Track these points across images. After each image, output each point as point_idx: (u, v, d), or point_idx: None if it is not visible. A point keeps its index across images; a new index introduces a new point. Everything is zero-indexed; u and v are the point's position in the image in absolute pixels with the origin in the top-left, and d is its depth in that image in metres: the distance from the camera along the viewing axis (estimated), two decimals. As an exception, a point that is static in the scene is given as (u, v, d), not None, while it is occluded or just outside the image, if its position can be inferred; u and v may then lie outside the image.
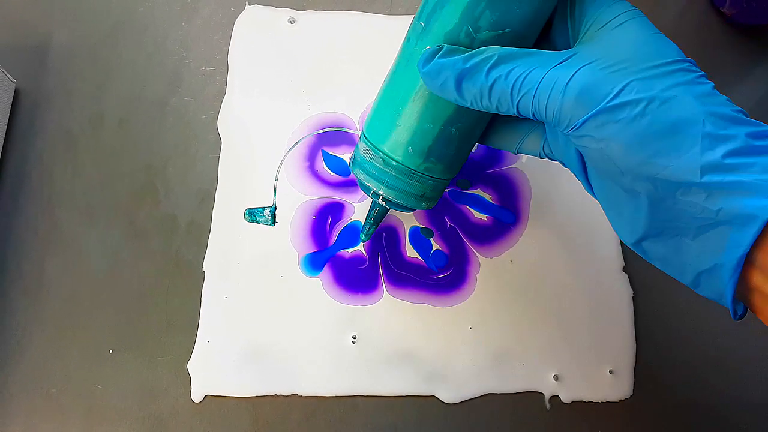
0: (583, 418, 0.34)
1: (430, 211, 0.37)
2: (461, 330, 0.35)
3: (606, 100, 0.21)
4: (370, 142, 0.29)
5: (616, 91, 0.21)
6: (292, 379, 0.34)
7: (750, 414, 0.35)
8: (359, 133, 0.39)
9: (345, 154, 0.39)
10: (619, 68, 0.22)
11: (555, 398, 0.35)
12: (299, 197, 0.37)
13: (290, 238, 0.37)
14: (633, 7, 0.24)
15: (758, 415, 0.35)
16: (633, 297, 0.36)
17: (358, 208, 0.37)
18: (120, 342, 0.35)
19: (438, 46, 0.25)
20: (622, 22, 0.23)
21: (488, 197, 0.38)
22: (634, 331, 0.36)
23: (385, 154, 0.29)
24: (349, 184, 0.38)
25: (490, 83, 0.24)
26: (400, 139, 0.28)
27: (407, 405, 0.34)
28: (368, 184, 0.30)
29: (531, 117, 0.24)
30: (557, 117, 0.22)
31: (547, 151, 0.28)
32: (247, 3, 0.41)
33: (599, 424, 0.34)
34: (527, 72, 0.23)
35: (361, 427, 0.34)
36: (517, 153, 0.30)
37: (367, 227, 0.35)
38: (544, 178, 0.38)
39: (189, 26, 0.41)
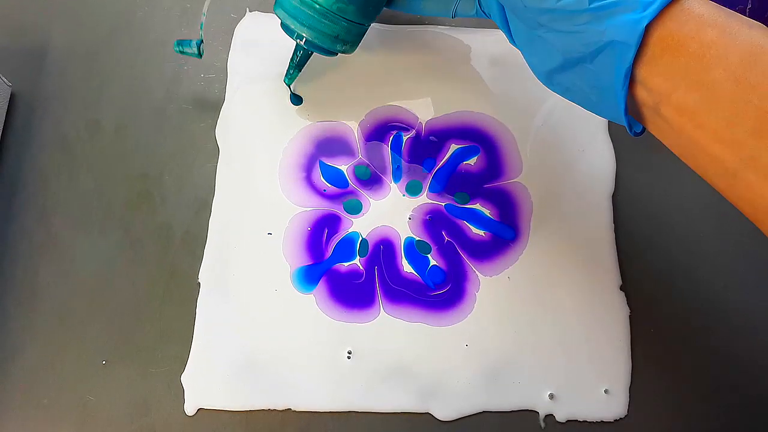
0: (578, 437, 0.34)
1: (427, 223, 0.37)
2: (457, 347, 0.35)
3: None
4: None
5: None
6: (286, 393, 0.34)
7: (744, 436, 0.35)
8: (359, 146, 0.38)
9: (343, 165, 0.38)
10: None
11: (550, 417, 0.34)
12: (293, 208, 0.37)
13: (283, 251, 0.36)
14: None
15: (753, 437, 0.35)
16: (630, 316, 0.36)
17: (356, 222, 0.37)
18: (113, 353, 0.34)
19: None
20: None
21: (487, 212, 0.38)
22: (630, 351, 0.36)
23: None
24: (346, 196, 0.38)
25: None
26: None
27: (402, 422, 0.34)
28: (288, 23, 0.32)
29: None
30: None
31: (484, 7, 0.31)
32: (247, 10, 0.41)
33: (593, 443, 0.34)
34: None
35: (355, 442, 0.33)
36: (454, 17, 0.33)
37: (291, 71, 0.37)
38: (546, 193, 0.38)
39: (188, 32, 0.40)
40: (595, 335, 0.36)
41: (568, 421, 0.34)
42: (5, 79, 0.38)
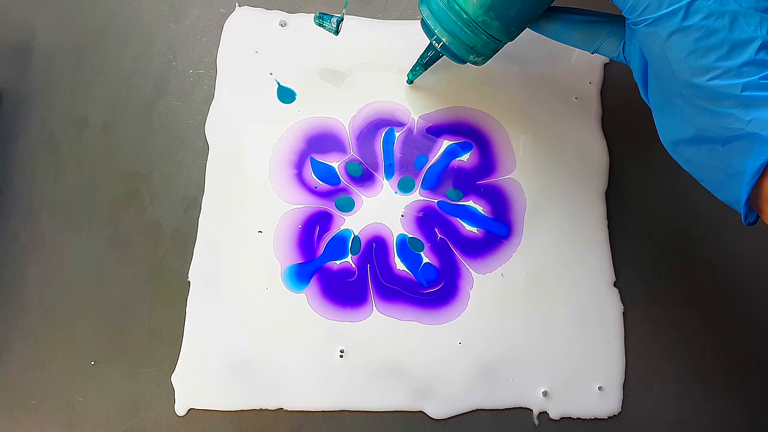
0: (572, 434, 0.34)
1: (419, 221, 0.37)
2: (450, 345, 0.35)
3: (685, 2, 0.23)
4: None
5: None
6: (278, 392, 0.34)
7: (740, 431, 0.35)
8: (350, 143, 0.38)
9: (334, 162, 0.38)
10: None
11: (543, 414, 0.34)
12: (284, 206, 0.37)
13: (274, 249, 0.36)
14: None
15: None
16: (623, 312, 0.36)
17: (348, 219, 0.37)
18: (102, 353, 0.34)
19: None
20: None
21: (481, 209, 0.37)
22: (623, 347, 0.36)
23: None
24: (338, 193, 0.37)
25: None
26: None
27: (395, 420, 0.34)
28: (428, 22, 0.32)
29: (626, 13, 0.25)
30: (634, 3, 0.25)
31: (626, 54, 0.30)
32: (237, 4, 0.40)
33: (587, 440, 0.34)
34: None
35: (348, 442, 0.33)
36: (594, 53, 0.32)
37: (417, 68, 0.37)
38: (539, 189, 0.38)
39: (177, 27, 0.40)
40: (588, 332, 0.36)
41: (562, 418, 0.34)
42: (-10, 76, 0.37)
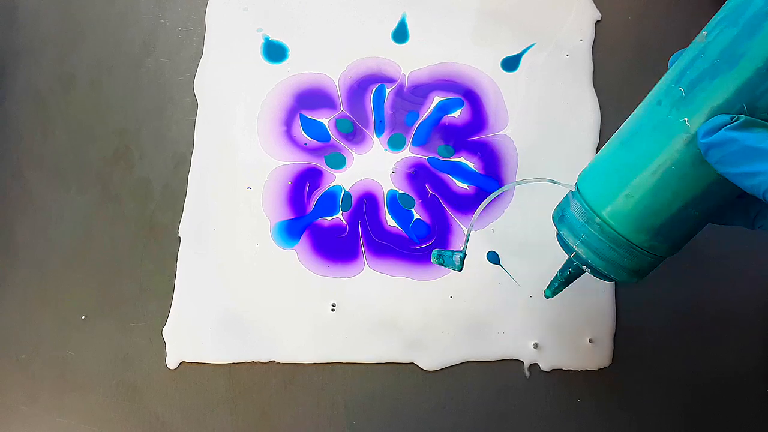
0: (562, 386, 0.34)
1: (410, 177, 0.37)
2: (442, 298, 0.35)
3: None
4: (587, 204, 0.26)
5: None
6: (270, 345, 0.34)
7: (729, 381, 0.35)
8: (340, 99, 0.38)
9: (324, 119, 0.38)
10: None
11: (534, 366, 0.34)
12: (273, 162, 0.36)
13: (263, 205, 0.36)
14: None
15: (737, 382, 0.35)
16: (614, 266, 0.36)
17: (338, 176, 0.37)
18: (93, 308, 0.34)
19: (731, 117, 0.22)
20: None
21: (472, 165, 0.37)
22: (614, 301, 0.36)
23: (604, 220, 0.25)
24: (328, 150, 0.37)
25: None
26: (626, 209, 0.25)
27: (386, 372, 0.34)
28: (575, 248, 0.27)
29: None
30: None
31: None
32: (225, -39, 0.40)
33: (578, 392, 0.34)
34: None
35: (341, 394, 0.33)
36: (754, 228, 0.28)
37: (557, 285, 0.31)
38: (530, 146, 0.38)
39: (164, -15, 0.39)
40: (579, 285, 0.35)
41: (553, 370, 0.34)
42: (-25, 32, 0.37)
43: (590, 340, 0.35)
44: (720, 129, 0.22)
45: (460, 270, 0.31)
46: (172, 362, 0.33)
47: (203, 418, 0.33)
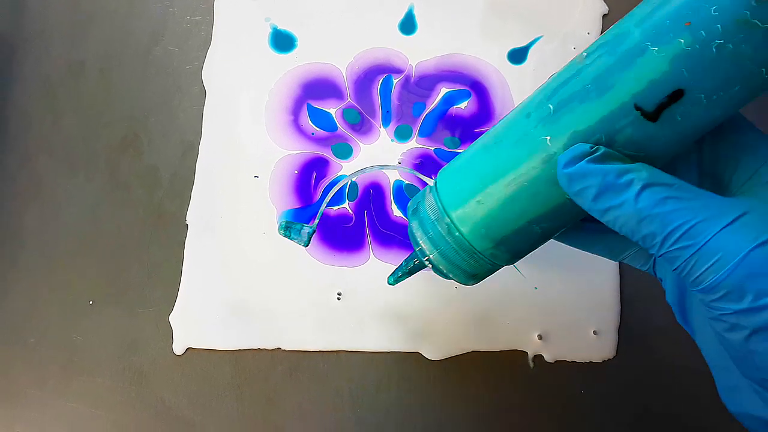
0: (566, 377, 0.34)
1: (416, 168, 0.37)
2: (447, 288, 0.35)
3: None
4: (441, 202, 0.26)
5: None
6: (275, 333, 0.34)
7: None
8: (348, 89, 0.38)
9: (331, 109, 0.38)
10: None
11: (538, 357, 0.35)
12: (280, 151, 0.37)
13: (269, 194, 0.36)
14: None
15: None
16: (619, 259, 0.36)
17: (345, 166, 0.37)
18: (100, 294, 0.34)
19: (591, 147, 0.21)
20: None
21: (477, 156, 0.37)
22: (619, 293, 0.36)
23: (452, 222, 0.25)
24: (334, 140, 0.37)
25: (642, 215, 0.20)
26: (475, 216, 0.25)
27: (391, 361, 0.34)
28: (421, 242, 0.27)
29: (672, 266, 0.20)
30: (710, 285, 0.19)
31: (657, 271, 0.26)
32: (234, -50, 0.40)
33: (582, 383, 0.34)
34: (691, 221, 0.19)
35: (345, 381, 0.34)
36: (618, 261, 0.28)
37: (399, 273, 0.31)
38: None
39: (173, -27, 0.39)
40: (584, 277, 0.36)
41: (557, 361, 0.35)
42: (-15, 19, 0.37)
43: (594, 332, 0.35)
44: (581, 160, 0.21)
45: (306, 245, 0.31)
46: (178, 348, 0.33)
47: (209, 403, 0.33)
